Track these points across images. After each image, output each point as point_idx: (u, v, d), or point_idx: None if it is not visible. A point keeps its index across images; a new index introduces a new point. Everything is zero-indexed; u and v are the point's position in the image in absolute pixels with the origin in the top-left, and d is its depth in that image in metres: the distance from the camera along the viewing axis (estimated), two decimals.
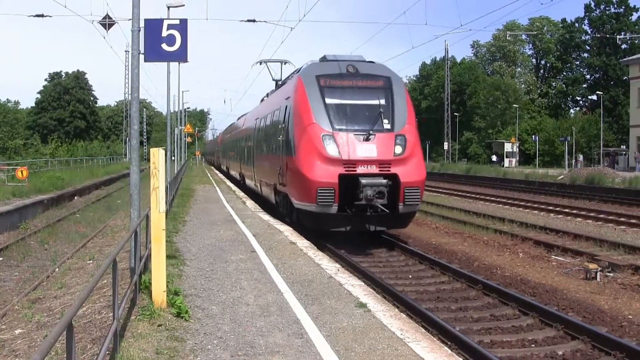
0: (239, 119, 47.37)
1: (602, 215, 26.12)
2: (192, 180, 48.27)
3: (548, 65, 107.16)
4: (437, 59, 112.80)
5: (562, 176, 48.74)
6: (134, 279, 9.32)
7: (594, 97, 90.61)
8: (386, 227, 18.29)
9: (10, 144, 68.07)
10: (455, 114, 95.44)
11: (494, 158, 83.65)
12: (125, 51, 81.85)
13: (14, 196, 29.19)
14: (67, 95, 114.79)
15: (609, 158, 71.58)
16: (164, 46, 10.40)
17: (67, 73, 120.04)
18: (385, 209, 16.79)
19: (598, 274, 14.27)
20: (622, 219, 24.60)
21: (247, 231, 18.02)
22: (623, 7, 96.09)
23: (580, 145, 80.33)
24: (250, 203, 27.78)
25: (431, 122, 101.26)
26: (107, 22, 29.63)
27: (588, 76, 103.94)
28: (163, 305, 9.00)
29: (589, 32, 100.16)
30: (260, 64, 35.70)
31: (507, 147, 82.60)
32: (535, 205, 30.93)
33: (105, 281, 10.89)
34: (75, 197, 37.89)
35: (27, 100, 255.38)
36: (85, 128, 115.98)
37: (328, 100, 17.98)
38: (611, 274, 14.53)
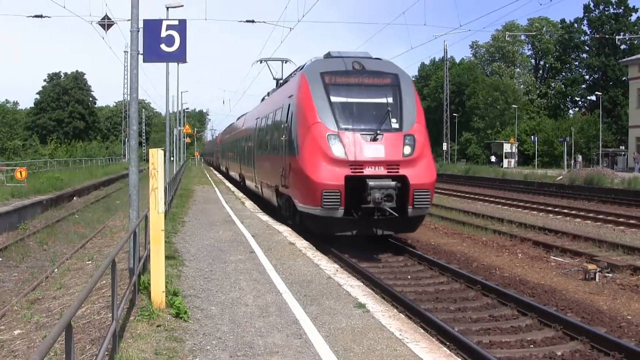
0: (238, 119, 46.91)
1: (601, 216, 26.14)
2: (191, 180, 48.26)
3: (547, 65, 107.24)
4: (436, 59, 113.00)
5: (561, 177, 48.77)
6: (133, 280, 9.32)
7: (593, 98, 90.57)
8: (394, 231, 17.65)
9: (9, 145, 68.02)
10: (454, 114, 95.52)
11: (493, 158, 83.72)
12: (124, 52, 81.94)
13: (13, 197, 29.20)
14: (66, 96, 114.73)
15: (608, 159, 71.62)
16: (163, 47, 10.40)
17: (66, 74, 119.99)
18: (394, 213, 15.99)
19: (597, 274, 14.28)
20: (621, 220, 24.62)
21: (246, 232, 18.01)
22: (622, 7, 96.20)
23: (579, 146, 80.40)
24: (249, 204, 27.77)
25: (430, 122, 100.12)
26: (106, 23, 29.63)
27: (587, 77, 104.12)
28: (162, 305, 9.00)
29: (588, 32, 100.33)
30: (261, 62, 35.17)
31: (506, 147, 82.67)
32: (534, 206, 30.96)
33: (104, 282, 10.89)
34: (74, 198, 37.89)
35: (26, 100, 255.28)
36: (84, 129, 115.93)
37: (333, 99, 17.20)
38: (610, 275, 14.54)
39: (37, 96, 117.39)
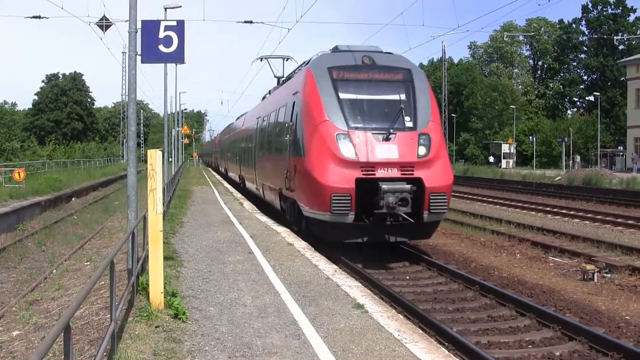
0: (238, 118, 46.14)
1: (599, 216, 26.15)
2: (189, 181, 48.25)
3: (545, 66, 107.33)
4: (435, 60, 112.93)
5: (559, 177, 48.81)
6: (131, 281, 9.32)
7: (591, 98, 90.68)
8: (408, 237, 16.57)
9: (7, 146, 67.98)
10: (452, 115, 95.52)
11: (491, 159, 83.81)
12: (123, 52, 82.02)
13: (11, 198, 29.20)
14: (64, 97, 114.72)
15: (606, 159, 71.71)
16: (161, 47, 10.40)
17: (64, 74, 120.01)
18: (409, 218, 14.90)
19: (595, 274, 14.29)
20: (619, 220, 24.63)
21: (244, 232, 18.01)
22: (620, 8, 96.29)
23: (577, 146, 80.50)
24: (247, 204, 27.76)
25: None
26: (104, 24, 29.59)
27: (585, 77, 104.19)
28: (160, 306, 9.00)
29: (586, 33, 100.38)
30: (261, 60, 34.19)
31: (505, 148, 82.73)
32: (533, 206, 30.97)
33: (103, 282, 10.91)
34: (73, 199, 37.88)
35: (25, 101, 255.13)
36: (82, 129, 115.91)
37: (342, 95, 16.08)
38: (608, 275, 14.55)
39: (36, 97, 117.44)
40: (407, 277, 14.70)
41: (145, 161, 10.37)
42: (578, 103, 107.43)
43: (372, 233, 15.63)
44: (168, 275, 10.88)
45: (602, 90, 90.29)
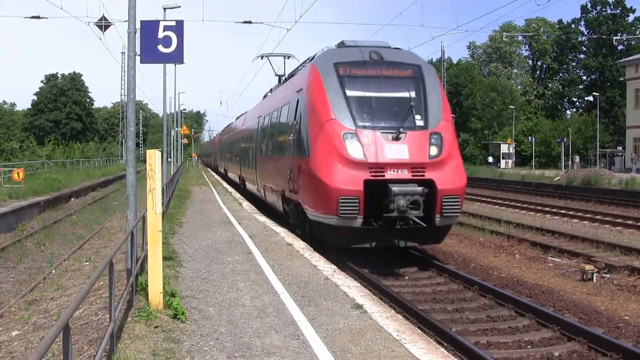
0: (237, 118, 45.57)
1: (598, 217, 26.17)
2: (188, 181, 48.25)
3: (544, 66, 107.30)
4: (434, 60, 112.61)
5: (558, 177, 48.84)
6: (130, 281, 9.32)
7: (591, 98, 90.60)
8: (419, 242, 15.75)
9: (6, 146, 67.93)
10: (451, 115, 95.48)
11: (491, 159, 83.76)
12: (122, 53, 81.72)
13: (10, 198, 29.18)
14: (63, 97, 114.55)
15: (606, 159, 71.71)
16: (160, 47, 10.41)
17: (63, 75, 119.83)
18: (421, 222, 14.14)
19: (594, 275, 14.29)
20: (618, 220, 24.64)
21: (243, 232, 18.00)
22: (619, 8, 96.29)
23: (576, 147, 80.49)
24: (246, 204, 27.77)
25: None
26: (103, 24, 29.64)
27: (584, 77, 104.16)
28: (160, 306, 9.00)
29: (586, 33, 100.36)
30: (262, 58, 33.12)
31: (504, 148, 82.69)
32: (532, 207, 30.98)
33: (102, 283, 10.91)
34: (72, 199, 37.87)
35: (24, 102, 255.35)
36: (81, 130, 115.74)
37: (349, 92, 15.35)
38: (607, 275, 14.55)
39: (35, 97, 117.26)
40: (406, 277, 14.70)
41: (145, 161, 10.37)
42: (577, 103, 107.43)
43: (381, 238, 14.90)
44: (167, 275, 10.89)
45: (601, 90, 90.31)
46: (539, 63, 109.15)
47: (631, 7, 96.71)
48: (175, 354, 7.29)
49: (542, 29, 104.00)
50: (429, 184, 14.53)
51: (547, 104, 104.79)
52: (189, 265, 12.90)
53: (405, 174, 14.59)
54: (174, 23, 10.59)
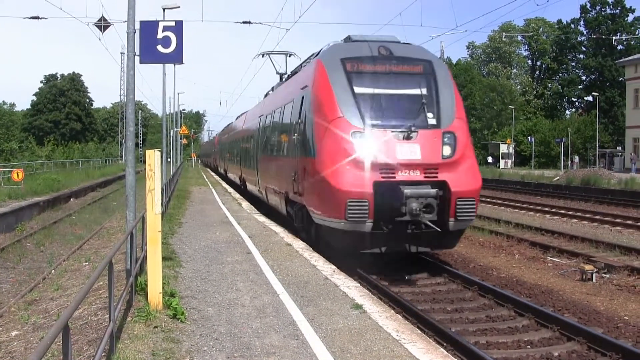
0: (238, 117, 44.75)
1: (598, 217, 26.17)
2: (188, 182, 48.22)
3: (544, 66, 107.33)
4: None
5: (557, 177, 48.84)
6: (130, 281, 9.32)
7: (590, 98, 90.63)
8: (431, 247, 15.12)
9: (6, 147, 67.98)
10: None
11: (490, 159, 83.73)
12: (121, 53, 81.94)
13: (9, 198, 29.18)
14: (62, 97, 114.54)
15: (605, 159, 71.74)
16: (160, 48, 10.42)
17: (62, 75, 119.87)
18: (435, 227, 13.49)
19: (594, 275, 14.29)
20: (617, 220, 24.64)
21: (242, 233, 18.00)
22: (619, 8, 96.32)
23: (576, 147, 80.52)
24: (245, 204, 27.76)
25: None
26: (103, 24, 29.58)
27: (584, 77, 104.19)
28: (159, 306, 9.00)
29: (585, 33, 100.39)
30: (263, 56, 32.37)
31: (503, 148, 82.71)
32: (531, 207, 30.98)
33: (102, 283, 10.92)
34: (71, 199, 37.86)
35: (23, 102, 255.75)
36: (80, 130, 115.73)
37: (357, 89, 14.57)
38: (607, 275, 14.55)
39: (34, 97, 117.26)
40: (406, 277, 14.67)
41: (144, 161, 10.38)
42: (576, 103, 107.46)
43: (392, 242, 14.16)
44: (166, 275, 10.89)
45: (601, 90, 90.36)
46: (538, 63, 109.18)
47: (630, 7, 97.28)
48: (174, 354, 7.30)
49: (541, 29, 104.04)
50: (442, 186, 13.85)
51: (547, 104, 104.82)
52: (188, 266, 12.90)
53: (417, 176, 13.90)
54: (173, 23, 10.60)
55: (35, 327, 10.19)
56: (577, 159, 74.64)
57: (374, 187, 13.48)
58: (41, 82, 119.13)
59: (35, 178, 39.80)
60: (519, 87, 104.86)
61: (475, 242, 19.92)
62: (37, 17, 31.19)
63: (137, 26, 10.46)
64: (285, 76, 26.37)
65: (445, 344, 9.27)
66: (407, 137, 14.09)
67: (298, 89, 17.45)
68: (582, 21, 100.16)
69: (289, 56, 31.61)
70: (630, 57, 74.93)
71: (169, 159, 41.33)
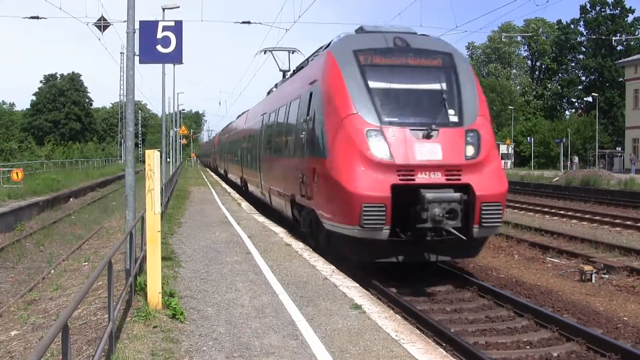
0: (239, 116, 43.54)
1: (597, 217, 26.17)
2: (187, 182, 48.21)
3: (543, 66, 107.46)
4: None
5: (557, 178, 48.85)
6: (129, 281, 9.33)
7: (590, 99, 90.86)
8: (452, 256, 13.91)
9: (5, 146, 68.05)
10: None
11: None
12: (121, 53, 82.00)
13: (9, 198, 29.20)
14: (62, 97, 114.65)
15: (605, 160, 71.78)
16: (159, 48, 10.42)
17: (62, 75, 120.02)
18: (460, 234, 12.32)
19: (593, 275, 14.29)
20: (617, 221, 24.64)
21: (242, 233, 17.99)
22: (619, 8, 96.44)
23: (575, 147, 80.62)
24: (245, 205, 27.75)
25: None
26: (102, 24, 29.56)
27: (583, 78, 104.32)
28: (158, 306, 9.00)
29: (585, 33, 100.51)
30: (265, 52, 31.16)
31: (503, 148, 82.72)
32: (531, 207, 30.98)
33: (101, 283, 10.92)
34: (71, 199, 37.86)
35: (23, 102, 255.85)
36: (80, 130, 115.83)
37: (372, 84, 13.41)
38: (606, 276, 14.54)
39: (34, 97, 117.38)
40: (405, 278, 14.65)
41: (143, 161, 10.38)
42: (576, 104, 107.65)
43: (410, 251, 13.04)
44: (166, 275, 10.89)
45: (600, 91, 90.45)
46: (538, 63, 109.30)
47: (630, 7, 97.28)
48: (173, 354, 7.30)
49: (541, 30, 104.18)
50: (466, 189, 12.69)
51: (546, 104, 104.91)
52: (187, 266, 12.90)
53: (438, 178, 12.72)
54: (172, 23, 10.61)
55: (34, 327, 10.19)
56: (576, 159, 74.73)
57: (391, 190, 12.33)
58: (41, 82, 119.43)
59: (34, 178, 39.82)
60: (518, 87, 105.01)
61: None
62: (37, 17, 31.17)
63: (137, 26, 10.47)
64: (291, 71, 24.83)
65: (444, 344, 9.26)
66: (427, 136, 12.91)
67: (306, 84, 16.34)
68: (581, 22, 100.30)
69: (292, 53, 30.63)
70: (630, 58, 74.98)
71: (168, 159, 41.35)
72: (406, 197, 12.29)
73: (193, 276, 11.86)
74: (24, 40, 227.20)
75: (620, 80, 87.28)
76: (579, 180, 43.00)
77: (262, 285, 11.14)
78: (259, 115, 26.51)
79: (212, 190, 38.45)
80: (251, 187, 28.85)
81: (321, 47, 17.57)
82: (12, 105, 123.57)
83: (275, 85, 27.60)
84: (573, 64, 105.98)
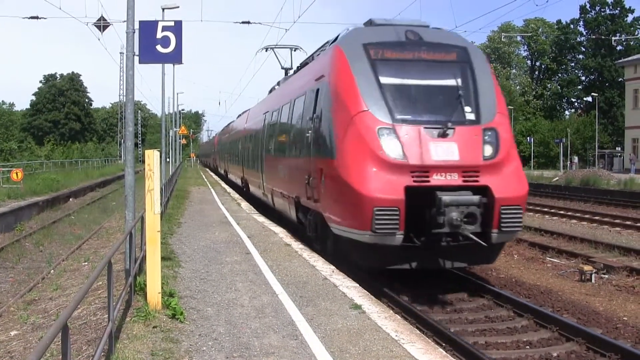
0: (239, 116, 42.79)
1: (597, 217, 26.19)
2: (187, 182, 48.19)
3: (543, 66, 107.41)
4: None
5: (557, 178, 48.86)
6: (129, 281, 9.33)
7: (589, 99, 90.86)
8: (468, 262, 13.26)
9: (5, 146, 68.04)
10: None
11: None
12: (120, 53, 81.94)
13: (9, 198, 29.19)
14: (62, 97, 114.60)
15: (604, 160, 71.79)
16: (159, 48, 10.43)
17: (62, 75, 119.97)
18: (479, 240, 11.59)
19: (593, 275, 14.29)
20: (617, 221, 24.64)
21: (242, 233, 17.99)
22: (618, 8, 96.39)
23: (575, 147, 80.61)
24: (245, 205, 27.74)
25: None
26: (102, 24, 29.59)
27: (583, 78, 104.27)
28: (158, 306, 9.00)
29: (584, 33, 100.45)
30: (266, 50, 30.32)
31: None
32: (530, 207, 30.93)
33: (101, 283, 10.91)
34: (70, 199, 37.86)
35: (22, 102, 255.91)
36: (80, 130, 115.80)
37: (383, 79, 12.64)
38: (606, 276, 14.55)
39: (33, 97, 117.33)
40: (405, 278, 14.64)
41: (143, 161, 10.38)
42: (576, 104, 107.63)
43: (423, 257, 12.32)
44: (165, 275, 10.89)
45: (600, 90, 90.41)
46: (537, 63, 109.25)
47: (630, 7, 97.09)
48: (173, 354, 7.29)
49: (540, 30, 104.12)
50: (484, 192, 11.93)
51: (546, 104, 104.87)
52: (187, 266, 12.90)
53: (455, 179, 11.95)
54: (172, 23, 10.61)
55: (34, 327, 10.19)
56: (576, 159, 74.71)
57: (405, 192, 11.57)
58: (40, 82, 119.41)
59: (34, 178, 39.80)
60: (518, 87, 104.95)
61: None
62: (37, 17, 31.19)
63: (137, 26, 10.47)
64: (295, 68, 24.15)
65: (444, 344, 9.27)
66: (443, 135, 12.11)
67: (312, 80, 15.50)
68: (581, 21, 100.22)
69: (294, 50, 29.81)
70: (629, 58, 74.98)
71: (168, 159, 41.34)
72: (420, 200, 11.60)
73: (193, 276, 11.86)
74: (24, 40, 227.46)
75: (619, 80, 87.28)
76: (578, 180, 43.02)
77: (261, 285, 11.14)
78: (261, 114, 25.86)
79: (212, 190, 38.45)
80: (252, 188, 28.30)
81: (327, 42, 16.93)
82: (11, 105, 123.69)
83: (278, 83, 26.93)
84: (573, 64, 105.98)
